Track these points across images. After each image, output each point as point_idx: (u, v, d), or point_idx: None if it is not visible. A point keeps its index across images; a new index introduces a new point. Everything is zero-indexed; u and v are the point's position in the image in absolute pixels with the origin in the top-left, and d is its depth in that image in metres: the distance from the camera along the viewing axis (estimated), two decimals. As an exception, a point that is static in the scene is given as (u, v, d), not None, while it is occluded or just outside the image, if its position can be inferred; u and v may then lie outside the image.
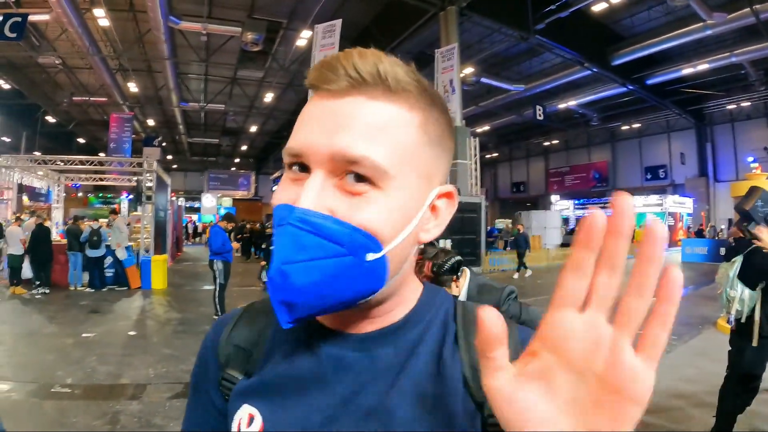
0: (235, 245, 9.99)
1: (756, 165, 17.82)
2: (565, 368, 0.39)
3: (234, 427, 0.72)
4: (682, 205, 31.77)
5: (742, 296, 4.12)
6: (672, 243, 29.60)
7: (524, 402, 0.39)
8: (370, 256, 0.60)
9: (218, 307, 9.30)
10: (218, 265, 9.33)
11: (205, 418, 0.81)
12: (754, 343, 4.06)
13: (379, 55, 0.62)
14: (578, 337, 0.39)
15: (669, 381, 5.96)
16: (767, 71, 23.91)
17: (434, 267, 2.67)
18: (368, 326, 0.70)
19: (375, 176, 0.59)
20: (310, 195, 0.59)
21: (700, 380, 5.72)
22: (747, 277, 4.15)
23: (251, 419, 0.70)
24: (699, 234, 27.25)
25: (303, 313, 0.61)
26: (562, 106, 28.75)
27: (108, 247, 12.88)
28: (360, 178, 0.59)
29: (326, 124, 0.60)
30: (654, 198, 31.86)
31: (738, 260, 4.24)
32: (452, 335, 0.70)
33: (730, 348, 4.29)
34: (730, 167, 30.37)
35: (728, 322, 4.25)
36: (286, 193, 0.63)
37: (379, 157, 0.59)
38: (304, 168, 0.62)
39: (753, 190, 4.67)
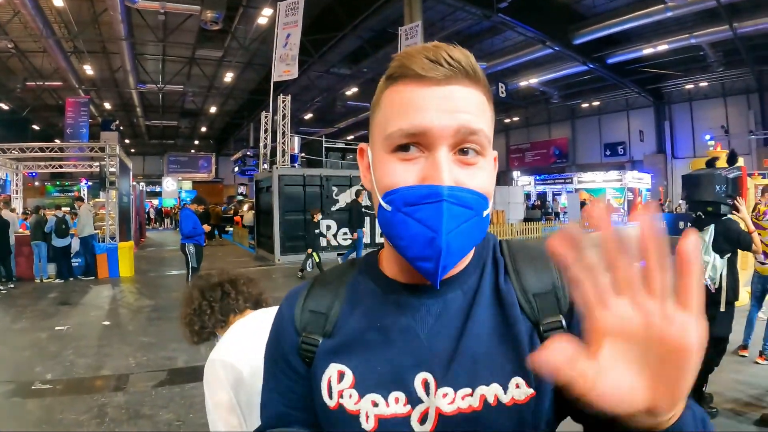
0: (207, 228, 9.86)
1: (713, 143, 18.33)
2: (632, 345, 0.48)
3: (324, 385, 0.79)
4: (640, 180, 32.48)
5: (714, 263, 4.32)
6: (631, 217, 30.28)
7: (610, 383, 0.48)
8: (485, 212, 0.74)
9: None
10: (190, 248, 9.25)
11: (290, 386, 0.87)
12: (722, 309, 4.28)
13: (462, 50, 0.74)
14: (632, 316, 0.48)
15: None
16: (726, 53, 24.43)
17: None
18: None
19: (483, 146, 0.74)
20: (446, 171, 0.70)
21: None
22: (718, 245, 4.35)
23: (341, 375, 0.78)
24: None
25: (446, 272, 0.72)
26: (523, 83, 28.93)
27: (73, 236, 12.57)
28: (468, 151, 0.73)
29: (444, 107, 0.71)
30: (613, 174, 32.46)
31: (711, 228, 4.40)
32: (503, 268, 0.84)
33: None
34: (688, 144, 31.28)
35: None
36: (401, 173, 0.73)
37: (487, 130, 0.75)
38: (410, 147, 0.73)
39: (700, 180, 4.75)
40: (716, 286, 4.33)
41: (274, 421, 0.89)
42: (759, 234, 5.26)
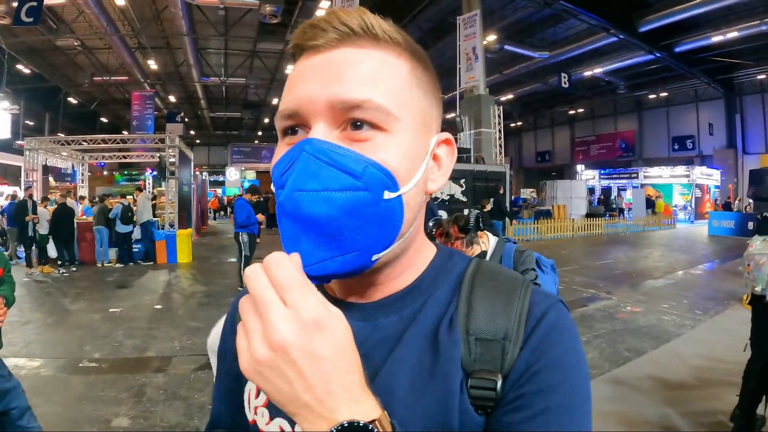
0: (261, 217, 10.00)
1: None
2: None
3: (245, 397, 0.75)
4: (709, 177, 31.16)
5: None
6: (699, 215, 29.21)
7: None
8: (387, 195, 0.58)
9: (243, 279, 9.36)
10: (243, 237, 9.39)
11: (229, 387, 0.82)
12: None
13: (363, 9, 0.63)
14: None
15: (692, 357, 5.90)
16: (800, 41, 23.01)
17: (460, 224, 2.77)
18: (374, 294, 0.69)
19: (379, 119, 0.59)
20: (318, 136, 0.59)
21: (723, 357, 5.60)
22: None
23: (259, 391, 0.72)
24: (726, 207, 26.73)
25: (322, 265, 0.58)
26: (587, 73, 28.27)
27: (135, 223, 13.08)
28: (361, 126, 0.59)
29: (319, 77, 0.60)
30: (681, 169, 31.28)
31: None
32: (460, 296, 0.68)
33: (757, 327, 4.14)
34: (760, 139, 29.74)
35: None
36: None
37: (380, 99, 0.59)
38: (300, 130, 0.62)
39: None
40: None
41: (216, 421, 0.87)
42: None
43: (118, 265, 12.78)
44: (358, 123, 0.59)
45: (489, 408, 0.60)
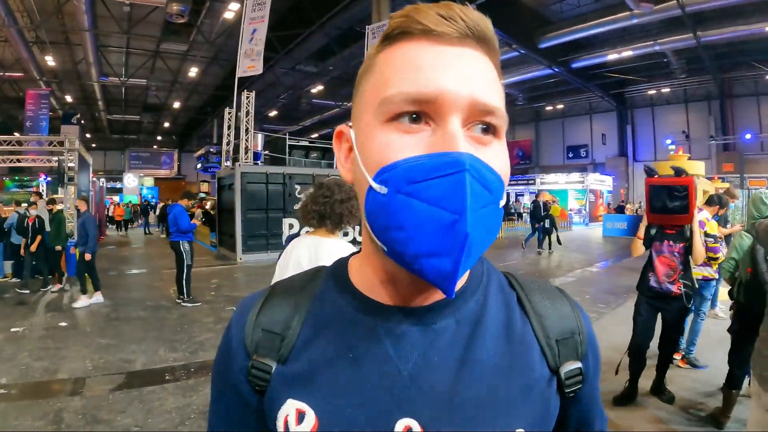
0: (198, 222, 9.65)
1: (673, 146, 18.92)
2: None
3: (280, 424, 0.65)
4: (602, 182, 33.24)
5: None
6: (593, 218, 30.98)
7: None
8: (501, 203, 0.59)
9: (185, 289, 9.11)
10: (185, 246, 9.10)
11: (239, 419, 0.74)
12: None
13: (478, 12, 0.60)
14: None
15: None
16: (688, 60, 25.23)
17: None
18: (426, 299, 0.66)
19: (500, 127, 0.60)
20: (463, 143, 0.55)
21: (625, 345, 5.99)
22: None
23: (301, 415, 0.64)
24: (620, 210, 28.55)
25: (460, 276, 0.55)
26: (488, 85, 29.18)
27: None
28: (488, 130, 0.59)
29: (457, 72, 0.56)
30: (576, 176, 33.07)
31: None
32: (515, 303, 0.73)
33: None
34: (649, 148, 32.18)
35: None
36: (400, 147, 0.57)
37: (503, 109, 0.60)
38: (417, 119, 0.57)
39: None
40: None
41: None
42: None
43: (14, 279, 11.87)
44: (486, 127, 0.59)
45: (577, 389, 0.72)
